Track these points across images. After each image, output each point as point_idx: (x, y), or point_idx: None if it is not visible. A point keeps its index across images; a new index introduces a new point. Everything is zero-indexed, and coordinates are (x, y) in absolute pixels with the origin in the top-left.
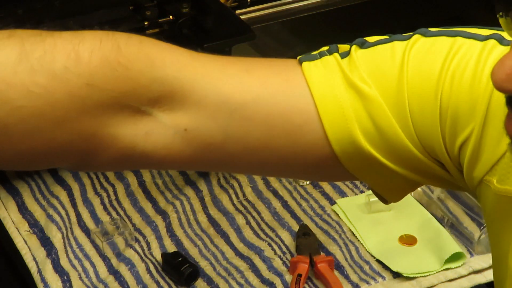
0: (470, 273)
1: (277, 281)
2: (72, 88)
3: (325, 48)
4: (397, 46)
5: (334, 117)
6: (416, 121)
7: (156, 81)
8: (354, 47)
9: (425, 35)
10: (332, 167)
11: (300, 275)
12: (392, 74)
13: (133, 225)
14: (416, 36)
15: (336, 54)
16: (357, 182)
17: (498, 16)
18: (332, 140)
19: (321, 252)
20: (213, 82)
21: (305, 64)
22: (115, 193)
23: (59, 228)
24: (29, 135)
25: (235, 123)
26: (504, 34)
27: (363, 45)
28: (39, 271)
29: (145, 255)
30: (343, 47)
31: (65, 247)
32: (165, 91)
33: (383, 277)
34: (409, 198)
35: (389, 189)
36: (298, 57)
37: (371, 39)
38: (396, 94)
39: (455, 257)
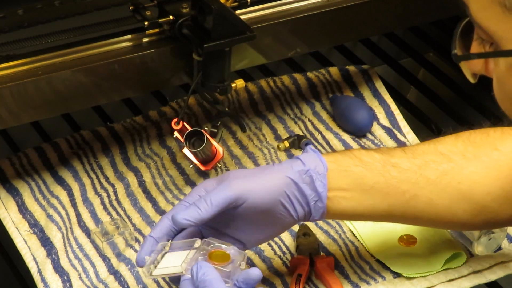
0: (470, 273)
1: (277, 281)
2: None
3: None
4: None
5: None
6: None
7: None
8: None
9: None
10: None
11: (300, 275)
12: None
13: (133, 225)
14: None
15: None
16: None
17: None
18: None
19: (321, 252)
20: None
21: None
22: (115, 193)
23: (59, 228)
24: None
25: None
26: None
27: None
28: (39, 271)
29: None
30: None
31: (65, 247)
32: None
33: (383, 277)
34: None
35: None
36: None
37: None
38: None
39: (455, 257)
